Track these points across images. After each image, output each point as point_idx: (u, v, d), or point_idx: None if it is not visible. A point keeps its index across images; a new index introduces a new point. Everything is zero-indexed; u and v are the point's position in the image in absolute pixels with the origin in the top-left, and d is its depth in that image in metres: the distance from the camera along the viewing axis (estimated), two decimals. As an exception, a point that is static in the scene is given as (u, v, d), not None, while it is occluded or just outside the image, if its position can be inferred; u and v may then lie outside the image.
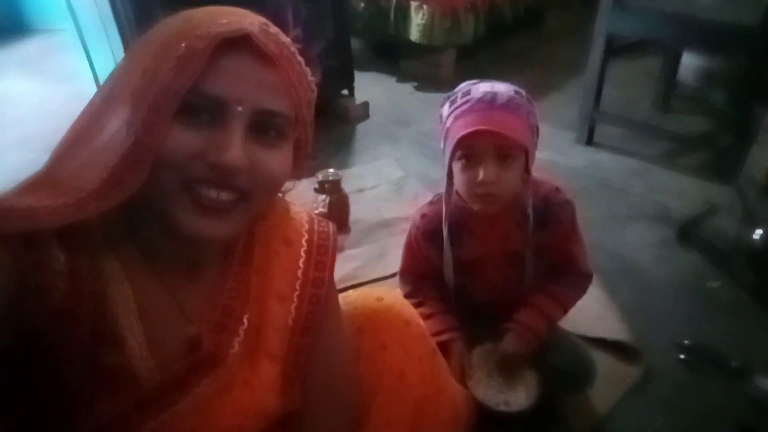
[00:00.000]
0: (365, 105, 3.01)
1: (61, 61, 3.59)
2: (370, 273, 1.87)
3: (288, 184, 0.76)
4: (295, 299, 0.77)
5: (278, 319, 0.76)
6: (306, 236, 0.80)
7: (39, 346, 0.59)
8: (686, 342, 1.08)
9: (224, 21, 0.59)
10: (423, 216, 1.29)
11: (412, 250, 1.34)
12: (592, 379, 1.30)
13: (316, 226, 0.81)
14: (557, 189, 1.24)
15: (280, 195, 0.76)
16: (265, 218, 0.77)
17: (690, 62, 2.72)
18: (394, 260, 1.41)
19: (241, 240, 0.75)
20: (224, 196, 0.61)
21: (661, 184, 2.36)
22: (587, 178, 2.41)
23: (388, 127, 2.90)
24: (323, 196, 2.04)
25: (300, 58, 0.66)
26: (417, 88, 3.35)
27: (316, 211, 2.05)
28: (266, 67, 0.60)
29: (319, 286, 0.79)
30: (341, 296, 1.00)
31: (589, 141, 2.67)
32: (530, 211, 1.17)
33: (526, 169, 1.15)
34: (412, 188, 2.35)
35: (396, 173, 2.47)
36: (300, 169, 0.75)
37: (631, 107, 2.91)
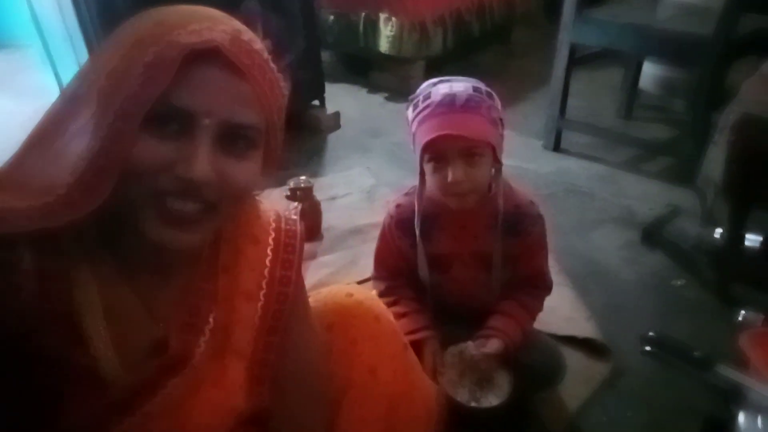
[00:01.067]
0: (336, 115, 3.02)
1: (28, 77, 3.52)
2: (343, 279, 1.87)
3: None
4: (262, 298, 0.77)
5: (246, 318, 0.76)
6: (273, 234, 0.79)
7: (8, 347, 0.58)
8: (651, 334, 1.11)
9: (195, 27, 0.57)
10: (398, 206, 1.31)
11: (386, 240, 1.35)
12: (563, 375, 1.33)
13: (283, 225, 0.81)
14: (531, 202, 1.27)
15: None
16: (232, 217, 0.75)
17: (650, 72, 2.80)
18: (366, 267, 1.42)
19: (208, 239, 0.73)
20: (191, 207, 0.60)
21: (627, 188, 2.43)
22: (556, 183, 2.46)
23: (360, 138, 2.92)
24: (295, 204, 2.04)
25: (273, 65, 0.65)
26: (388, 99, 3.38)
27: (288, 220, 2.05)
28: (237, 78, 0.59)
29: (286, 284, 0.79)
30: (312, 293, 0.99)
31: (557, 148, 2.74)
32: (501, 211, 1.20)
33: (496, 159, 1.17)
34: (383, 196, 2.36)
35: (367, 182, 2.49)
36: (269, 176, 0.74)
37: (596, 116, 2.98)
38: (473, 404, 1.18)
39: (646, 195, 2.36)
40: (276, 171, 0.76)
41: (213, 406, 0.72)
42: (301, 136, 2.86)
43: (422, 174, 1.20)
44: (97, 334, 0.64)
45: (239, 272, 0.75)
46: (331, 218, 2.19)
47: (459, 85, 1.14)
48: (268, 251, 0.78)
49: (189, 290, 0.72)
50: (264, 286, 0.77)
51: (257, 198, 0.80)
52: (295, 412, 0.85)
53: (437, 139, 1.09)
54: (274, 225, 0.80)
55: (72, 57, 2.41)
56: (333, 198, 2.35)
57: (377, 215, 2.11)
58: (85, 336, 0.63)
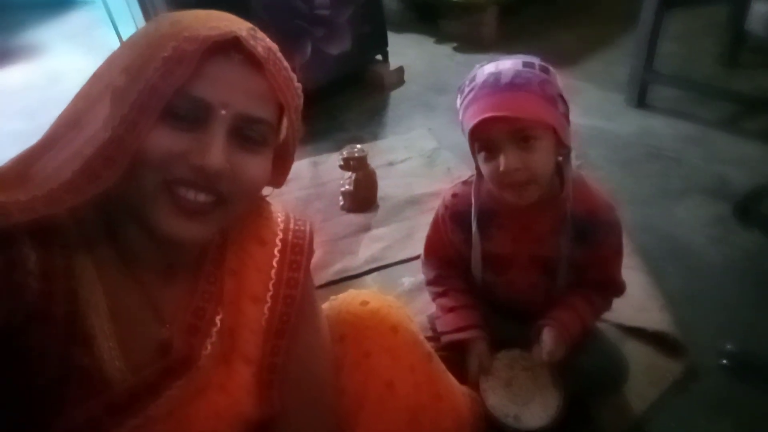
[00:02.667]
0: (400, 71, 2.87)
1: (97, 34, 3.61)
2: (396, 254, 1.80)
3: (265, 190, 0.74)
4: (269, 300, 0.76)
5: (252, 321, 0.75)
6: (280, 236, 0.78)
7: (12, 346, 0.58)
8: (729, 347, 0.95)
9: (213, 24, 0.59)
10: (454, 195, 1.20)
11: (437, 229, 1.26)
12: (623, 382, 1.20)
13: (291, 225, 0.80)
14: (610, 206, 1.11)
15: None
16: (239, 218, 0.74)
17: (761, 10, 2.46)
18: (421, 240, 1.35)
19: (215, 241, 0.74)
20: (202, 197, 0.61)
21: (721, 152, 2.14)
22: (636, 147, 2.22)
23: (424, 95, 2.77)
24: (349, 174, 1.97)
25: (287, 64, 0.66)
26: (456, 50, 3.18)
27: (342, 189, 1.98)
28: (253, 72, 0.61)
29: (294, 286, 0.77)
30: (327, 300, 0.98)
31: (641, 104, 2.46)
32: (569, 215, 1.06)
33: (561, 144, 1.02)
34: (445, 161, 2.24)
35: (429, 144, 2.36)
36: (284, 176, 0.75)
37: (691, 64, 2.66)
38: (510, 422, 1.08)
39: (744, 160, 2.08)
40: (286, 176, 0.76)
41: (218, 411, 0.72)
42: (362, 94, 2.75)
43: (479, 167, 1.07)
44: (102, 333, 0.64)
45: (246, 274, 0.75)
46: (387, 186, 2.09)
47: (506, 63, 1.00)
48: (276, 252, 0.77)
49: (194, 292, 0.72)
50: (271, 288, 0.76)
51: (266, 200, 0.80)
52: (300, 419, 0.82)
53: (482, 123, 0.96)
54: (282, 226, 0.79)
55: (128, 15, 2.44)
56: (391, 164, 2.25)
57: (437, 183, 2.02)
58: (90, 335, 0.63)
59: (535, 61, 1.02)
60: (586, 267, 1.14)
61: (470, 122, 0.98)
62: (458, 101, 1.06)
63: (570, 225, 1.07)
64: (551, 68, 1.03)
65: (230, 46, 0.59)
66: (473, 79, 1.02)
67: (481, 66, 1.03)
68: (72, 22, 4.07)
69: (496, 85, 0.98)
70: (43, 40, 3.77)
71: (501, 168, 0.98)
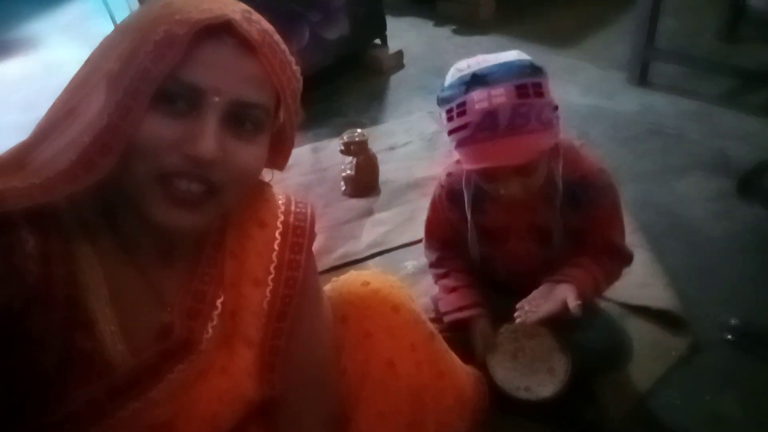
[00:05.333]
0: (399, 54, 2.85)
1: (102, 24, 3.58)
2: (399, 238, 1.80)
3: (266, 174, 0.75)
4: (270, 282, 0.75)
5: (254, 304, 0.75)
6: (281, 218, 0.78)
7: (12, 330, 0.58)
8: (733, 321, 0.95)
9: (205, 7, 0.57)
10: (449, 174, 1.21)
11: (436, 210, 1.27)
12: (627, 359, 1.21)
13: (293, 208, 0.79)
14: (601, 170, 1.11)
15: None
16: (239, 202, 0.73)
17: (762, -16, 2.41)
18: (423, 224, 1.36)
19: (214, 224, 0.73)
20: (196, 187, 0.60)
21: (722, 127, 2.13)
22: (637, 124, 2.20)
23: (423, 78, 2.74)
24: (350, 158, 1.96)
25: (284, 47, 0.64)
26: (455, 32, 3.13)
27: (344, 174, 1.98)
28: (248, 56, 0.59)
29: (295, 268, 0.77)
30: (329, 281, 0.98)
31: (642, 82, 2.43)
32: (560, 182, 1.06)
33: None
34: (445, 144, 2.16)
35: (429, 128, 2.34)
36: (285, 159, 0.74)
37: (691, 39, 2.63)
38: (522, 394, 1.09)
39: (746, 135, 2.06)
40: (287, 159, 0.75)
41: (220, 394, 0.72)
42: (361, 79, 2.73)
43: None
44: (104, 316, 0.64)
45: (246, 257, 0.74)
46: (388, 170, 2.09)
47: (498, 92, 0.94)
48: (277, 235, 0.77)
49: (194, 275, 0.71)
50: (272, 270, 0.76)
51: (267, 182, 0.79)
52: (302, 401, 0.83)
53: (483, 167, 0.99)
54: (282, 208, 0.78)
55: (125, 5, 2.43)
56: (392, 148, 2.24)
57: (438, 166, 2.00)
58: (91, 319, 0.63)
59: (527, 78, 0.95)
60: (582, 232, 1.14)
61: (469, 165, 1.00)
62: (443, 118, 1.03)
63: (560, 191, 1.07)
64: (541, 68, 0.99)
65: (223, 30, 0.57)
66: (463, 108, 0.96)
67: (466, 84, 0.97)
68: (68, 13, 4.03)
69: (494, 129, 0.94)
70: (39, 31, 3.74)
71: (502, 192, 1.02)
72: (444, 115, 1.03)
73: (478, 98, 0.95)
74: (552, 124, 0.98)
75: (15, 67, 3.33)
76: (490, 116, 0.94)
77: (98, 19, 3.68)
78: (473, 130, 0.96)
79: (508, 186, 1.00)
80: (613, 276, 1.19)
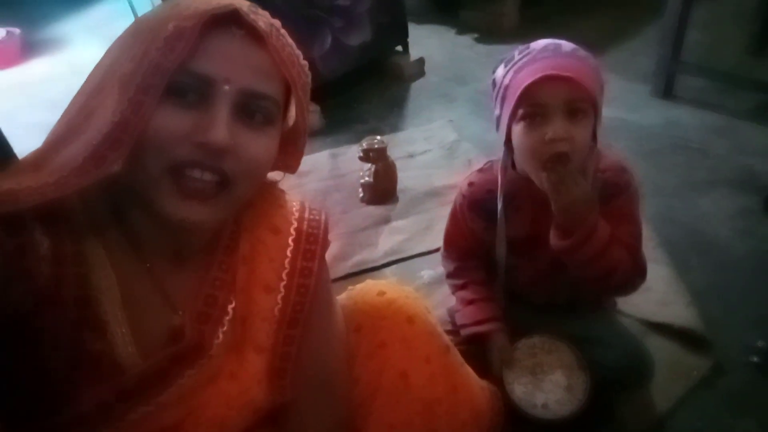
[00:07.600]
0: (420, 62, 2.85)
1: (118, 27, 3.63)
2: (416, 247, 1.79)
3: (276, 175, 0.76)
4: (282, 289, 0.75)
5: (265, 310, 0.74)
6: (295, 225, 0.77)
7: (23, 331, 0.59)
8: (760, 344, 0.93)
9: (213, 2, 0.58)
10: (470, 184, 1.19)
11: (456, 221, 1.25)
12: (649, 377, 1.17)
13: (306, 214, 0.79)
14: (623, 168, 1.09)
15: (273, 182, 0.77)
16: (252, 206, 0.74)
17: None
18: (441, 233, 1.34)
19: (227, 228, 0.73)
20: (208, 177, 0.60)
21: (749, 143, 2.09)
22: (661, 138, 2.17)
23: (444, 86, 2.74)
24: (369, 165, 1.96)
25: (290, 41, 0.64)
26: (477, 40, 3.14)
27: (362, 181, 1.98)
28: (256, 46, 0.60)
29: (308, 276, 0.76)
30: (345, 289, 0.98)
31: (667, 94, 2.40)
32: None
33: (594, 135, 1.01)
34: (465, 153, 2.22)
35: (449, 136, 2.34)
36: (297, 161, 0.75)
37: (718, 53, 2.59)
38: (539, 412, 1.07)
39: (772, 152, 2.03)
40: (299, 161, 0.75)
41: (229, 399, 0.72)
42: (382, 85, 2.73)
43: (508, 144, 1.05)
44: (115, 319, 0.64)
45: (258, 263, 0.74)
46: (407, 178, 2.08)
47: (563, 41, 1.01)
48: (290, 241, 0.76)
49: (206, 279, 0.71)
50: (284, 277, 0.75)
51: (281, 188, 0.79)
52: (312, 409, 0.82)
53: (540, 83, 0.93)
54: (296, 215, 0.78)
55: (150, 6, 2.45)
56: (411, 155, 2.24)
57: (457, 175, 1.99)
58: (102, 321, 0.63)
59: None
60: None
61: (525, 81, 0.95)
62: (500, 71, 1.03)
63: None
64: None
65: (231, 21, 0.59)
66: (527, 47, 1.01)
67: (532, 43, 1.02)
68: (95, 14, 4.10)
69: (557, 51, 0.98)
70: (66, 32, 3.80)
71: (548, 135, 0.95)
72: (501, 66, 1.04)
73: (543, 41, 1.01)
74: (601, 88, 1.00)
75: (42, 67, 3.38)
76: (553, 44, 0.99)
77: (124, 20, 3.70)
78: (537, 52, 0.99)
79: (555, 124, 0.95)
80: (621, 263, 1.05)
